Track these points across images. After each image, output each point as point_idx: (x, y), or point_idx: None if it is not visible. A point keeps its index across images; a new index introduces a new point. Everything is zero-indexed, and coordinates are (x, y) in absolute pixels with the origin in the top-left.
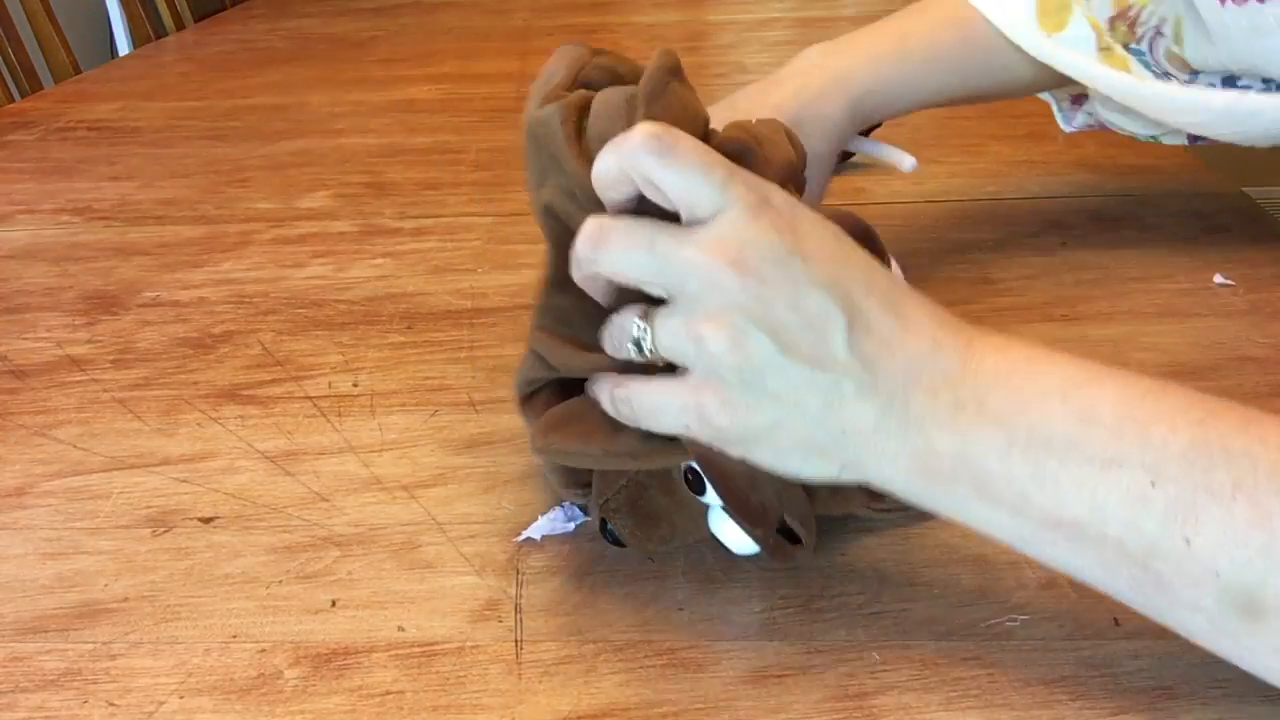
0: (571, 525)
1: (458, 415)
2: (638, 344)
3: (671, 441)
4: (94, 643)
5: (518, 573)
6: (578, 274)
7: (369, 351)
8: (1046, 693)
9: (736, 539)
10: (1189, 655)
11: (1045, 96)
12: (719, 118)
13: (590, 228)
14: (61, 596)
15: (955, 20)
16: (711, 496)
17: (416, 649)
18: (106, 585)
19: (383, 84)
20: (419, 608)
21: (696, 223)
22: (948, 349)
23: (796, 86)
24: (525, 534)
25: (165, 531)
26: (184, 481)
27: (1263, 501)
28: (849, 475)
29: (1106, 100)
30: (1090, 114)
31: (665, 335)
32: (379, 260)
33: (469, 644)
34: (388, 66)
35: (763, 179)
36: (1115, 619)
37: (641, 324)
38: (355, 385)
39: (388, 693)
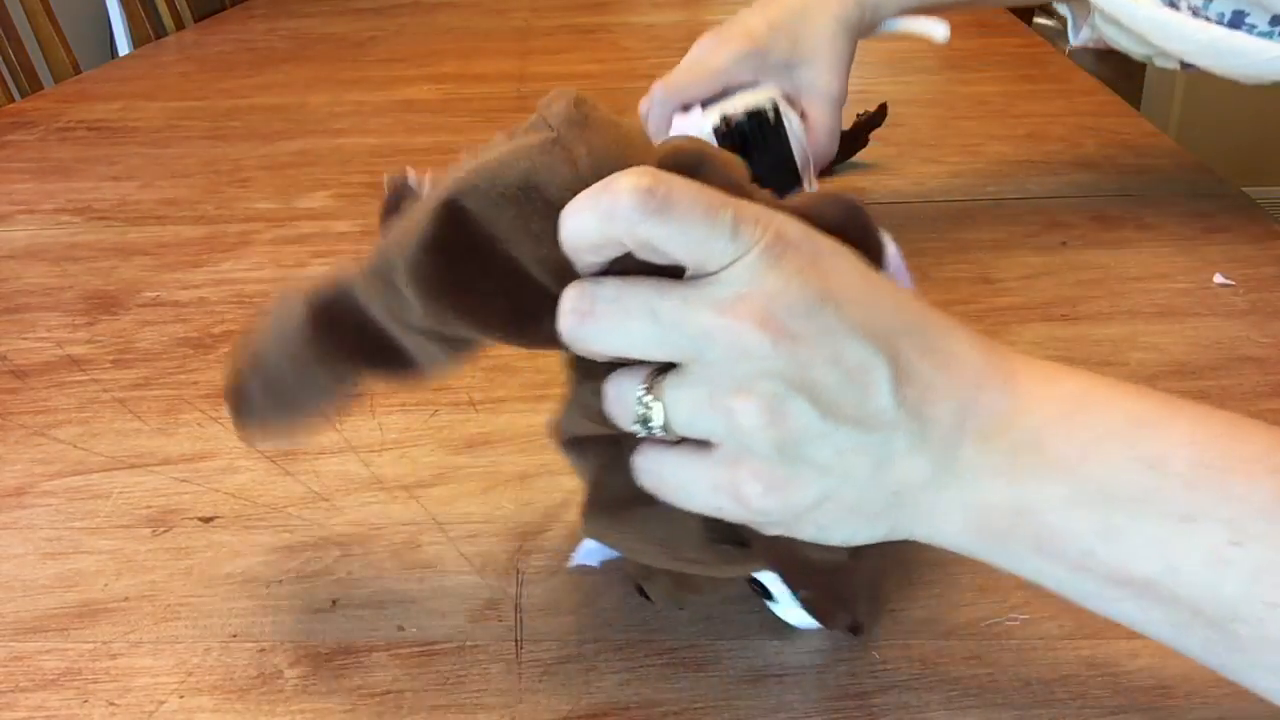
0: None
1: (458, 415)
2: (644, 421)
3: (742, 547)
4: (94, 643)
5: (518, 572)
6: (572, 347)
7: None
8: (1046, 692)
9: (799, 619)
10: None
11: (1061, 9)
12: (742, 27)
13: (571, 299)
14: (61, 596)
15: None
16: (783, 599)
17: (416, 649)
18: (106, 585)
19: (383, 84)
20: (419, 607)
21: (704, 275)
22: (993, 384)
23: None
24: (576, 560)
25: (165, 531)
26: (184, 481)
27: None
28: (896, 535)
29: (1104, 14)
30: (1093, 28)
31: (682, 411)
32: None
33: (469, 644)
34: (388, 66)
35: (768, 208)
36: None
37: (647, 398)
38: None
39: (388, 692)
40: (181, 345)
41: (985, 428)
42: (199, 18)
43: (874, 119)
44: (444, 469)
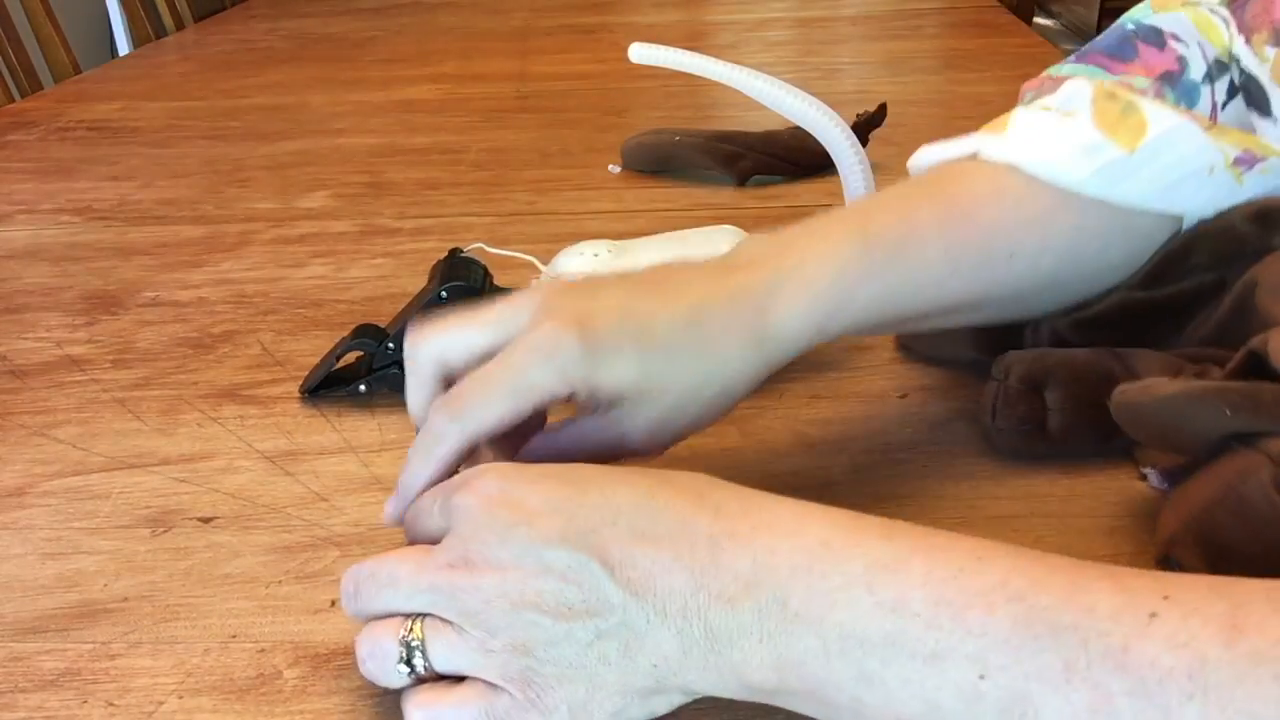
0: None
1: None
2: (408, 661)
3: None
4: (94, 643)
5: None
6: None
7: None
8: None
9: None
10: None
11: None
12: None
13: (343, 583)
14: (61, 596)
15: (956, 179)
16: None
17: None
18: (106, 585)
19: (383, 84)
20: None
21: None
22: (729, 549)
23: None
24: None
25: (165, 531)
26: (184, 481)
27: (1100, 682)
28: (689, 698)
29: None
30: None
31: (439, 651)
32: (379, 260)
33: None
34: (388, 66)
35: (478, 465)
36: None
37: (410, 637)
38: None
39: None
40: (181, 345)
41: (727, 591)
42: (199, 18)
43: (873, 119)
44: None
